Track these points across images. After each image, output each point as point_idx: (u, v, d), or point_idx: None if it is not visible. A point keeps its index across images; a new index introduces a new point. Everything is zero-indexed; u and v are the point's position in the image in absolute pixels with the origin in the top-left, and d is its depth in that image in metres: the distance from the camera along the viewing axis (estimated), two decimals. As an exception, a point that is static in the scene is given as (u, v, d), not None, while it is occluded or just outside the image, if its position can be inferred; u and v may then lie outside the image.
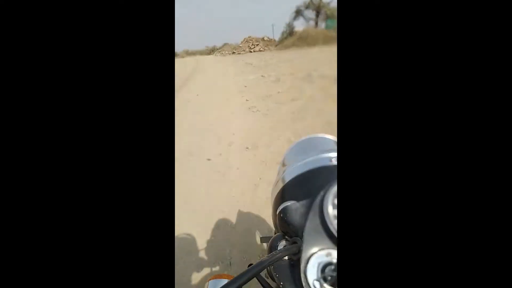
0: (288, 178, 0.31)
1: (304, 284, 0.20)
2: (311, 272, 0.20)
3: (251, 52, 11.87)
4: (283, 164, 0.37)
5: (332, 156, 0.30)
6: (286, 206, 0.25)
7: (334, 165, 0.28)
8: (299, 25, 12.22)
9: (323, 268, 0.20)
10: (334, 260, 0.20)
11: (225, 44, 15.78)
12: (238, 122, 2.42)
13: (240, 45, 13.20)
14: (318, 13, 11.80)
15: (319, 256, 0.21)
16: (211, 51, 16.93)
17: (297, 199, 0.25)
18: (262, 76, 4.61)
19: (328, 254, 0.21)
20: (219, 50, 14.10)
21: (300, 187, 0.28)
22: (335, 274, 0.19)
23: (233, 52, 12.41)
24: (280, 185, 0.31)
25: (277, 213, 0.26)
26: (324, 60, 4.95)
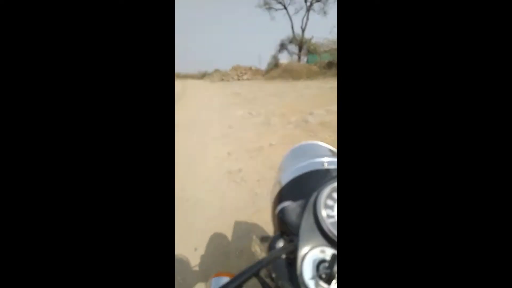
0: (285, 181, 0.31)
1: (300, 281, 0.19)
2: (307, 269, 0.20)
3: (239, 80, 11.30)
4: (279, 169, 0.37)
5: (325, 161, 0.31)
6: (284, 207, 0.26)
7: (326, 169, 0.29)
8: (284, 58, 12.07)
9: (318, 264, 0.20)
10: (328, 257, 0.20)
11: (215, 70, 15.25)
12: (210, 209, 1.41)
13: (229, 73, 12.65)
14: (300, 48, 11.76)
15: (314, 253, 0.20)
16: (203, 75, 16.29)
17: (293, 199, 0.26)
18: (249, 113, 3.74)
19: (322, 251, 0.20)
20: (209, 76, 13.40)
21: (296, 189, 0.29)
22: (329, 270, 0.18)
23: (222, 79, 11.75)
24: (278, 188, 0.32)
25: (276, 213, 0.27)
26: (317, 100, 4.24)
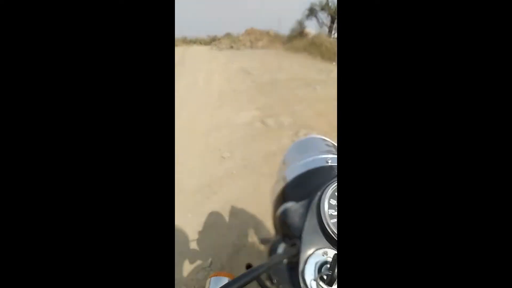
0: (287, 179, 0.29)
1: (302, 285, 0.19)
2: (309, 272, 0.19)
3: (251, 48, 8.97)
4: (283, 163, 0.34)
5: (329, 157, 0.28)
6: (286, 208, 0.24)
7: (330, 166, 0.27)
8: (311, 27, 9.24)
9: (320, 267, 0.19)
10: (330, 259, 0.19)
11: (226, 34, 12.68)
12: None
13: (241, 38, 10.17)
14: (333, 20, 8.82)
15: (316, 255, 0.20)
16: (212, 40, 13.76)
17: (296, 200, 0.24)
18: (262, 121, 2.08)
19: (325, 253, 0.20)
20: (217, 42, 10.95)
21: (299, 188, 0.27)
22: (330, 272, 0.18)
23: (232, 47, 9.42)
24: (280, 186, 0.30)
25: (277, 215, 0.25)
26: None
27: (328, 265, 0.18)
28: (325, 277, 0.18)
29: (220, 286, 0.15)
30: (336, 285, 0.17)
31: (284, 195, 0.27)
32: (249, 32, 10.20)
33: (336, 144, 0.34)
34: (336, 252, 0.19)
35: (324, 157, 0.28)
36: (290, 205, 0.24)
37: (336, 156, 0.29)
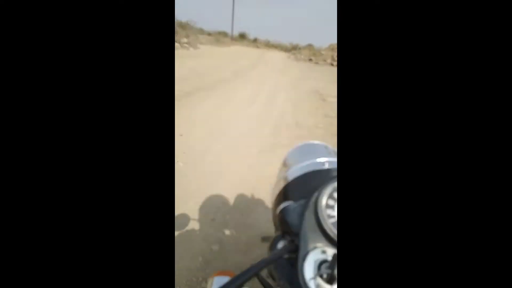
0: (287, 180, 0.31)
1: (301, 281, 0.19)
2: (308, 270, 0.19)
3: (332, 65, 7.74)
4: (284, 165, 0.36)
5: (326, 161, 0.30)
6: (285, 207, 0.25)
7: (327, 169, 0.29)
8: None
9: (319, 265, 0.20)
10: (329, 257, 0.20)
11: (308, 45, 11.90)
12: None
13: (323, 52, 9.06)
14: None
15: (315, 253, 0.20)
16: (293, 48, 13.30)
17: (294, 199, 0.25)
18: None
19: (323, 252, 0.20)
20: (297, 51, 10.27)
21: (297, 189, 0.28)
22: (330, 271, 0.18)
23: (310, 59, 8.48)
24: (280, 186, 0.31)
25: (277, 213, 0.26)
26: None
27: (328, 263, 0.19)
28: (324, 275, 0.18)
29: (221, 285, 0.15)
30: (336, 284, 0.17)
31: (284, 195, 0.29)
32: (333, 48, 8.96)
33: (336, 151, 0.33)
34: (335, 250, 0.19)
35: (321, 161, 0.30)
36: (288, 204, 0.24)
37: (333, 160, 0.30)
